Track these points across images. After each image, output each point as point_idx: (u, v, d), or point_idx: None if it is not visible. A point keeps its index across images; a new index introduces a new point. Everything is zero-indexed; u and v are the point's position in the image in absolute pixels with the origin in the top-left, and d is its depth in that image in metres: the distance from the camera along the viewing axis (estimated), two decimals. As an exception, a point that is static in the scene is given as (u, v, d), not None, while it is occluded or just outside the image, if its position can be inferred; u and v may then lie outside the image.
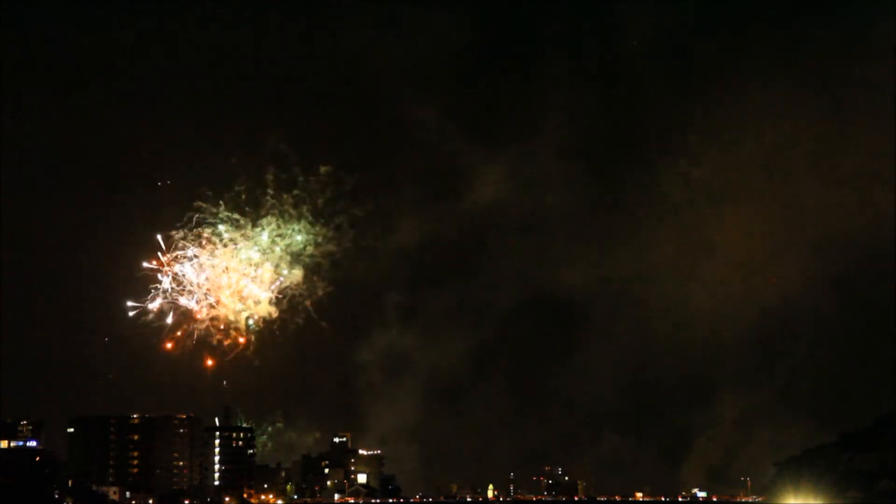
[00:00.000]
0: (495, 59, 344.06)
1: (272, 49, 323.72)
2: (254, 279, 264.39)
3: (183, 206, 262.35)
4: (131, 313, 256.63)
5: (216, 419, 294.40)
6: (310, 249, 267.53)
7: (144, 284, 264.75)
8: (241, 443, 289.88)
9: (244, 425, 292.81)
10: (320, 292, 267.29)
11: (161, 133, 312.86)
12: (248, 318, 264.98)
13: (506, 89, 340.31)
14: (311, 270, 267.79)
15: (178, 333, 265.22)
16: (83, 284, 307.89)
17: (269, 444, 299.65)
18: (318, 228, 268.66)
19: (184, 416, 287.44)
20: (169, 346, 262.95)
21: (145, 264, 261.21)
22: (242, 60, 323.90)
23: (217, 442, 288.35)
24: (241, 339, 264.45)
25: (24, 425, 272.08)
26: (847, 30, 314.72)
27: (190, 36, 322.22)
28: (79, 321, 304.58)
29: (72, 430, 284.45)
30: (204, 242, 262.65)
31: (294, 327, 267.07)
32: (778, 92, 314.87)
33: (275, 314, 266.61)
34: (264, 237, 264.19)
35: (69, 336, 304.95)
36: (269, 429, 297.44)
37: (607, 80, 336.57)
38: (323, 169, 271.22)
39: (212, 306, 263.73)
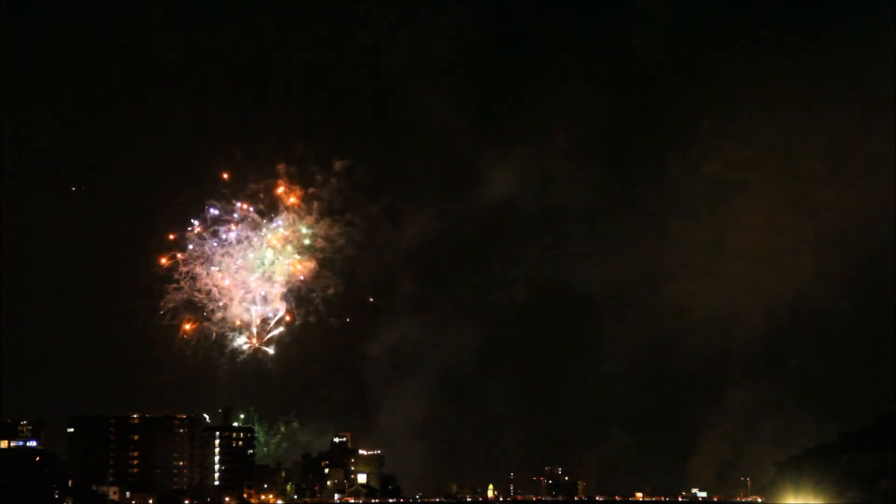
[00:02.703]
0: (508, 55, 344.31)
1: (285, 45, 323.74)
2: (267, 280, 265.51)
3: (198, 206, 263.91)
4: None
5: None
6: (321, 244, 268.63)
7: (150, 284, 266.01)
8: (241, 443, 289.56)
9: (248, 425, 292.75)
10: (331, 288, 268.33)
11: (172, 131, 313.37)
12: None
13: (519, 85, 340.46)
14: (323, 265, 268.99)
15: (188, 333, 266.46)
16: (84, 284, 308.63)
17: (284, 445, 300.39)
18: (330, 224, 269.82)
19: (184, 416, 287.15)
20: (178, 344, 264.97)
21: (159, 263, 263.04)
22: (254, 57, 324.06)
23: (217, 442, 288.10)
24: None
25: (24, 425, 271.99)
26: (861, 24, 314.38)
27: (200, 32, 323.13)
28: (80, 321, 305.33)
29: (72, 430, 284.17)
30: (217, 241, 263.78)
31: (303, 325, 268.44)
32: (791, 87, 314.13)
33: (283, 311, 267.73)
34: (278, 235, 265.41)
35: (70, 336, 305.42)
36: (283, 429, 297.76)
37: (619, 75, 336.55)
38: (337, 165, 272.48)
39: (224, 306, 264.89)
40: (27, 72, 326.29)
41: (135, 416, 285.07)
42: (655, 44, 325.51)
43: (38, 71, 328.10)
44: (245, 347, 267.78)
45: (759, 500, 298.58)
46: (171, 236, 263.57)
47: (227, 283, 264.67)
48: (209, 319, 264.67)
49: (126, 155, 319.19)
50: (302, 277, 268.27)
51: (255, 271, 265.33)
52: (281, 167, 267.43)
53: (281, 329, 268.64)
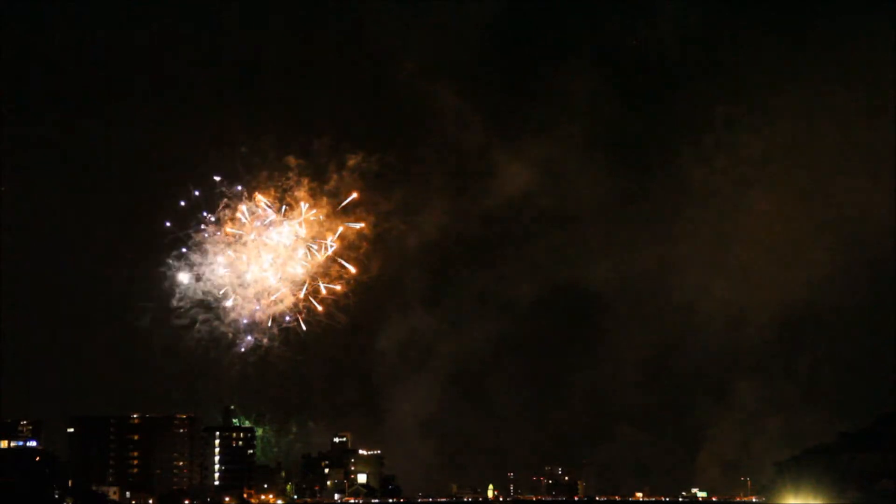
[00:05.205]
0: (521, 49, 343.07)
1: (297, 40, 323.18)
2: (278, 276, 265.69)
3: (207, 203, 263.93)
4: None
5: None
6: (332, 239, 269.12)
7: (156, 283, 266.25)
8: (241, 443, 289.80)
9: (248, 425, 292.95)
10: (342, 284, 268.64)
11: (181, 128, 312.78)
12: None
13: (530, 80, 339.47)
14: (333, 260, 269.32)
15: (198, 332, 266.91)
16: (85, 283, 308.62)
17: (298, 445, 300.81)
18: (342, 219, 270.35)
19: (184, 416, 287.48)
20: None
21: (165, 261, 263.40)
22: (262, 53, 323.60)
23: (217, 442, 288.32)
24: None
25: (24, 425, 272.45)
26: (874, 21, 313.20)
27: (209, 29, 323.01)
28: (80, 321, 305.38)
29: (72, 430, 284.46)
30: (227, 238, 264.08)
31: (313, 321, 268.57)
32: (805, 79, 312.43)
33: (292, 307, 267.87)
34: (289, 231, 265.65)
35: (69, 336, 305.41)
36: (295, 429, 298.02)
37: (631, 69, 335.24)
38: (351, 161, 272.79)
39: (234, 304, 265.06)
40: (27, 71, 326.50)
41: (135, 416, 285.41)
42: (667, 36, 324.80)
43: (38, 70, 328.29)
44: (253, 349, 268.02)
45: (754, 499, 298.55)
46: (179, 234, 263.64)
47: (235, 280, 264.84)
48: (219, 318, 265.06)
49: (129, 153, 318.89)
50: (312, 273, 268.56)
51: (266, 267, 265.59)
52: (291, 162, 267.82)
53: (291, 326, 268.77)
